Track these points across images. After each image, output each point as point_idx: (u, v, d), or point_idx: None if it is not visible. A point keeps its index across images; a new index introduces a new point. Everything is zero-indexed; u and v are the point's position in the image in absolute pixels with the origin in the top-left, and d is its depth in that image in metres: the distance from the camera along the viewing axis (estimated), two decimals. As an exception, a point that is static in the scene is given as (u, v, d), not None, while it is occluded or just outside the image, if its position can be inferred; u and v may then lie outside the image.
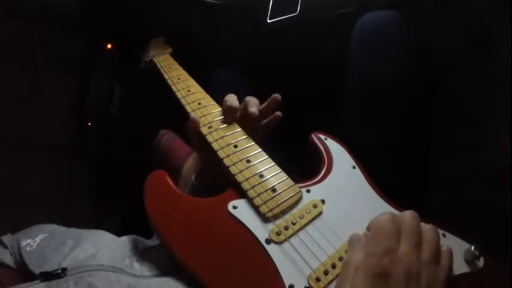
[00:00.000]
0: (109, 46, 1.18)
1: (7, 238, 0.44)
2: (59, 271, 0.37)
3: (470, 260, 0.41)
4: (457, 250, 0.40)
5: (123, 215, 1.19)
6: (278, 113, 0.54)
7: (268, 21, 0.80)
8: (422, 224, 0.35)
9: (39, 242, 0.42)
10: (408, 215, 0.35)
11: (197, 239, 0.40)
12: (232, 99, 0.54)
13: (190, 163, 0.77)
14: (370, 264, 0.32)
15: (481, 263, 0.41)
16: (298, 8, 0.76)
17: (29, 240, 0.42)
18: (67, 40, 1.12)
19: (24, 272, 0.39)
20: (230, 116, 0.53)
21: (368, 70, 0.63)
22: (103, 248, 0.42)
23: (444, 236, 0.44)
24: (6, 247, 0.42)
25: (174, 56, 0.77)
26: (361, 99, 0.64)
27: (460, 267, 0.40)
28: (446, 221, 0.44)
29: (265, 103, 0.54)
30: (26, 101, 1.04)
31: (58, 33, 1.09)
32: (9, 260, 0.41)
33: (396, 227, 0.34)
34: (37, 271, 0.38)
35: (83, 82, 1.16)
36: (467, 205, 0.77)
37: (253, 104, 0.52)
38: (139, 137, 1.06)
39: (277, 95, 0.53)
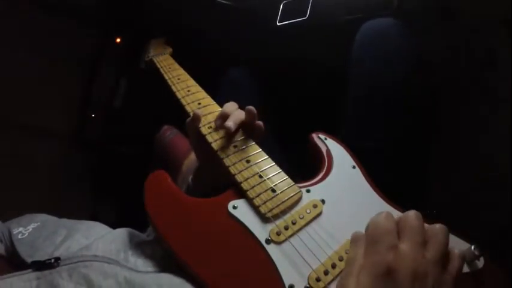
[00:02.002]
0: (118, 40, 1.18)
1: None
2: (52, 261, 0.36)
3: (470, 260, 0.40)
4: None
5: (120, 207, 1.20)
6: (259, 122, 0.54)
7: (278, 24, 0.81)
8: (428, 225, 0.35)
9: (31, 231, 0.41)
10: (411, 215, 0.35)
11: (197, 239, 0.40)
12: (228, 108, 0.54)
13: (190, 160, 0.77)
14: (375, 262, 0.31)
15: (480, 263, 0.41)
16: (308, 13, 0.76)
17: (20, 229, 0.41)
18: (81, 32, 1.12)
19: (15, 261, 0.38)
20: (219, 122, 0.53)
21: (369, 73, 0.64)
22: (97, 240, 0.41)
23: (444, 235, 0.44)
24: None
25: (183, 55, 0.77)
26: (361, 101, 0.64)
27: (460, 267, 0.40)
28: (446, 221, 0.44)
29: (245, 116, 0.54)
30: (32, 88, 1.03)
31: (75, 25, 1.10)
32: None
33: (394, 224, 0.34)
34: (29, 260, 0.37)
35: (91, 74, 1.16)
36: (466, 205, 0.77)
37: (231, 119, 0.52)
38: (141, 132, 1.06)
39: (250, 108, 0.53)
